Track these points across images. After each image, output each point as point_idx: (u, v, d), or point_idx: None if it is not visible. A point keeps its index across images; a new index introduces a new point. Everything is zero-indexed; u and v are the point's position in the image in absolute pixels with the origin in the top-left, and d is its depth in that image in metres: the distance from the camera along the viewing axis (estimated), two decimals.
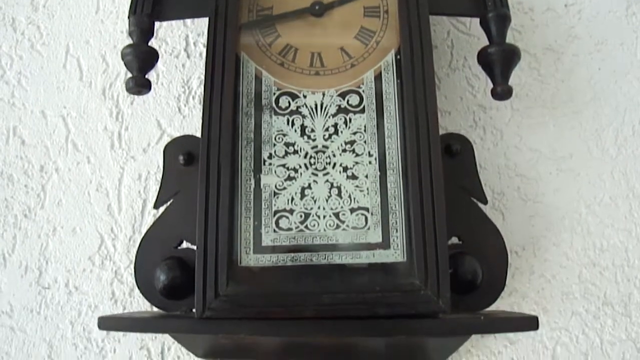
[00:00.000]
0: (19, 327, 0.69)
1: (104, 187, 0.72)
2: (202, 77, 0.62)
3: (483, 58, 0.64)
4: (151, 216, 0.70)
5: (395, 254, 0.57)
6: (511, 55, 0.63)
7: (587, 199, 0.71)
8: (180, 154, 0.63)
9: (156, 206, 0.64)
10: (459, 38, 0.75)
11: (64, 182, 0.72)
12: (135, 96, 0.73)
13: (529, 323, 0.56)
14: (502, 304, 0.67)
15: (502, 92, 0.63)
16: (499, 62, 0.63)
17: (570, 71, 0.74)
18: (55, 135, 0.74)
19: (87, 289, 0.70)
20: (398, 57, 0.62)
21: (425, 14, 0.62)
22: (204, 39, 0.73)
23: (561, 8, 0.76)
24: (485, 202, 0.64)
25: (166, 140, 0.66)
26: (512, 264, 0.67)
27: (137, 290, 0.65)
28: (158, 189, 0.64)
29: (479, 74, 0.73)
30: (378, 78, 0.62)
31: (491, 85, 0.64)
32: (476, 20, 0.66)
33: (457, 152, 0.63)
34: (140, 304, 0.69)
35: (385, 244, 0.58)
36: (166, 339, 0.68)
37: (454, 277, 0.57)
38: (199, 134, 0.59)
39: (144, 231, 0.64)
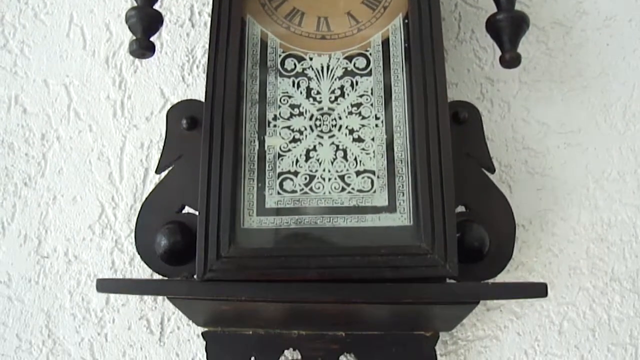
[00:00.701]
0: (16, 297, 0.68)
1: (106, 156, 0.71)
2: (207, 46, 0.61)
3: (491, 25, 0.63)
4: (153, 185, 0.68)
5: (401, 218, 0.56)
6: (520, 22, 0.62)
7: (595, 173, 0.70)
8: (183, 118, 0.62)
9: (158, 171, 0.63)
10: (467, 10, 0.74)
11: (65, 150, 0.71)
12: (139, 65, 0.73)
13: (538, 290, 0.55)
14: (509, 278, 0.65)
15: (510, 59, 0.62)
16: (507, 28, 0.62)
17: (579, 46, 0.74)
18: (57, 103, 0.73)
19: (87, 258, 0.68)
20: (406, 21, 0.61)
21: None
22: (208, 9, 0.72)
23: None
24: (492, 170, 0.63)
25: None
26: (519, 238, 0.65)
27: (137, 260, 0.64)
28: (160, 153, 0.63)
29: (487, 46, 0.72)
30: (385, 42, 0.61)
31: (499, 57, 0.63)
32: None
33: (465, 119, 0.62)
34: (140, 274, 0.67)
35: (391, 208, 0.57)
36: (166, 309, 0.67)
37: (461, 245, 0.56)
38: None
39: None
